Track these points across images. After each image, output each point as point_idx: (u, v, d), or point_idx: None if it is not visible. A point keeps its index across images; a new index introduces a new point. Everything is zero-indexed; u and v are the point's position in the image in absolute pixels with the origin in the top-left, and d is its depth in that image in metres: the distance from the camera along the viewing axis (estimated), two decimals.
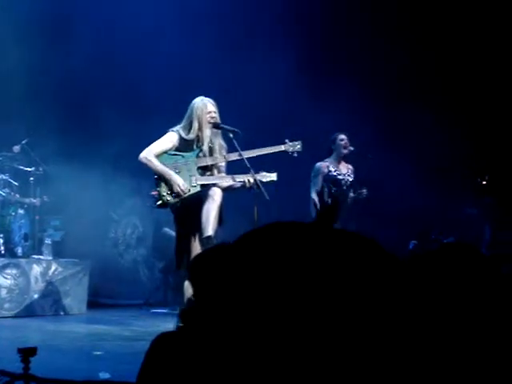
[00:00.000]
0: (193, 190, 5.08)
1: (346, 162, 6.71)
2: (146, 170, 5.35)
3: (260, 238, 1.30)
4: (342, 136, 6.60)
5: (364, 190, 6.58)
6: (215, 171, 5.25)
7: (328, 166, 6.56)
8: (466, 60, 8.41)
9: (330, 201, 6.43)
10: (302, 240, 1.21)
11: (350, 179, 6.60)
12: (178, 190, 5.03)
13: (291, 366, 1.11)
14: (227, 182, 5.22)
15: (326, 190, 6.48)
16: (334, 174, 6.53)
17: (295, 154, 5.50)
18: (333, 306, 1.15)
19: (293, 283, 1.14)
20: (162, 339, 1.61)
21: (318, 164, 6.61)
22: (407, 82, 8.48)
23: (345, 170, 6.64)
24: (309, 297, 1.13)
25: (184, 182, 5.06)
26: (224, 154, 5.22)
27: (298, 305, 1.12)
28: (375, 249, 1.27)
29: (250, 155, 5.13)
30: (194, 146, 5.18)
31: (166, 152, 5.13)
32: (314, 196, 6.49)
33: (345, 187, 6.53)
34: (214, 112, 5.20)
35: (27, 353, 2.76)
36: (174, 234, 7.85)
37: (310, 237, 1.24)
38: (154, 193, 5.59)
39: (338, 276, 1.16)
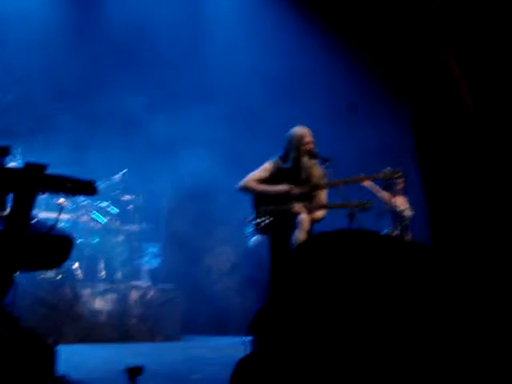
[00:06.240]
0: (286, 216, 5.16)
1: (403, 194, 6.41)
2: (239, 199, 5.47)
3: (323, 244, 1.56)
4: None
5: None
6: (316, 199, 5.30)
7: (395, 200, 6.27)
8: None
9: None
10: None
11: (412, 214, 6.29)
12: (290, 192, 5.16)
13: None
14: (322, 210, 5.27)
15: (391, 223, 6.21)
16: (399, 210, 6.23)
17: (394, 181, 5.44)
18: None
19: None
20: (244, 363, 1.64)
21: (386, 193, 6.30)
22: None
23: (405, 205, 6.34)
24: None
25: (290, 186, 5.18)
26: (323, 181, 5.27)
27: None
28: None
29: (347, 183, 5.15)
30: (293, 176, 5.27)
31: (263, 181, 5.24)
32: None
33: (407, 222, 6.23)
34: (311, 142, 5.27)
35: (134, 372, 2.84)
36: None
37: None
38: (249, 220, 5.71)
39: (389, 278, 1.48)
